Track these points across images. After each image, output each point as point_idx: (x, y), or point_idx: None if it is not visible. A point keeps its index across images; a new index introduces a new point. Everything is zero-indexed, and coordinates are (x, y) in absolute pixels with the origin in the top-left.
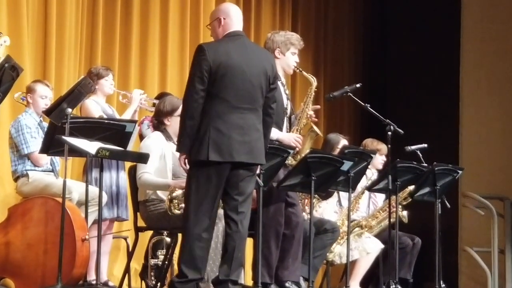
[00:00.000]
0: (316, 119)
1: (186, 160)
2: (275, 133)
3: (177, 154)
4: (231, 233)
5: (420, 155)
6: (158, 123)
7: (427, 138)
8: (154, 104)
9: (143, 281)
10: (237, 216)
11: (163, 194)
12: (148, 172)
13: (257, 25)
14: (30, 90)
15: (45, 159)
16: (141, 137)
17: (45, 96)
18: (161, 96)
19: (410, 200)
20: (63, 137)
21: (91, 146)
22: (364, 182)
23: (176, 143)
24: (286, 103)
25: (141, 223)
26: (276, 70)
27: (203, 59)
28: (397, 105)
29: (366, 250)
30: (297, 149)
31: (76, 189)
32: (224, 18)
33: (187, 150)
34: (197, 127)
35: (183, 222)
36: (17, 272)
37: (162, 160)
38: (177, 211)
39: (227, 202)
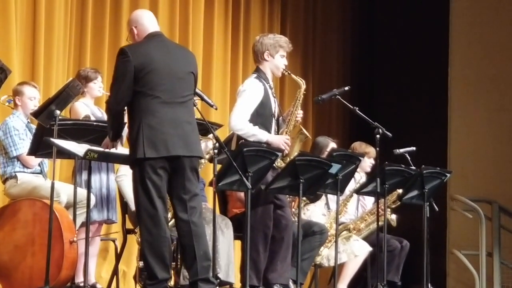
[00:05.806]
0: (300, 121)
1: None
2: (264, 136)
3: None
4: (184, 234)
5: (409, 158)
6: None
7: (415, 141)
8: None
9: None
10: (187, 216)
11: None
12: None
13: (246, 28)
14: (18, 92)
15: (35, 160)
16: None
17: (34, 97)
18: None
19: (399, 203)
20: (51, 139)
21: (79, 148)
22: (352, 185)
23: None
24: (274, 105)
25: (129, 225)
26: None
27: (126, 61)
28: (386, 108)
29: (354, 252)
30: (286, 151)
31: (65, 191)
32: (135, 27)
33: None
34: (126, 125)
35: (141, 226)
36: (5, 274)
37: None
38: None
39: (175, 203)
